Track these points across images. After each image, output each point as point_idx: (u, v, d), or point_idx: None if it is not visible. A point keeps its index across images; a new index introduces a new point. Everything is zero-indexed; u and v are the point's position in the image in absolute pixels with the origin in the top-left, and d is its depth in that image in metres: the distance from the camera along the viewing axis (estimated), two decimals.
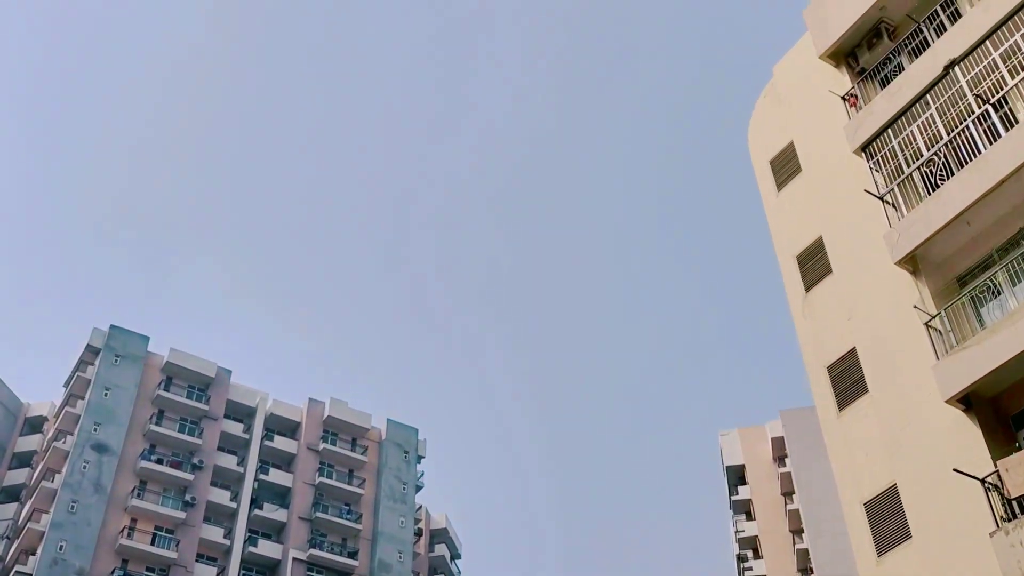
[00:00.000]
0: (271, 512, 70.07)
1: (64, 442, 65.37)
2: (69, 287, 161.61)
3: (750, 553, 68.98)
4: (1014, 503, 15.65)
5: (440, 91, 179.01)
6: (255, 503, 70.04)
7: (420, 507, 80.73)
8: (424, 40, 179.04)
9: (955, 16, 20.30)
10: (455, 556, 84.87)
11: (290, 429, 75.21)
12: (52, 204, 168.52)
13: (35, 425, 73.62)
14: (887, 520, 18.02)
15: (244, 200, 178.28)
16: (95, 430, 65.30)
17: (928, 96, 19.69)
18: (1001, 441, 16.88)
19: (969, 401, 17.18)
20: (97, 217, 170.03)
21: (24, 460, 71.53)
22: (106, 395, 67.07)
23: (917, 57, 20.53)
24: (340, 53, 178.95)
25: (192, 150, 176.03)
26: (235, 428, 72.12)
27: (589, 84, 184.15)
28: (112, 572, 61.55)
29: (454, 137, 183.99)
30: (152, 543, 64.17)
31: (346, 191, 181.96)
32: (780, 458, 68.39)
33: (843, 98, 22.17)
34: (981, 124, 18.55)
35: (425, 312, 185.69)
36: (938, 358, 17.68)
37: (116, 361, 68.84)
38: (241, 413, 73.63)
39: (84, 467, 63.68)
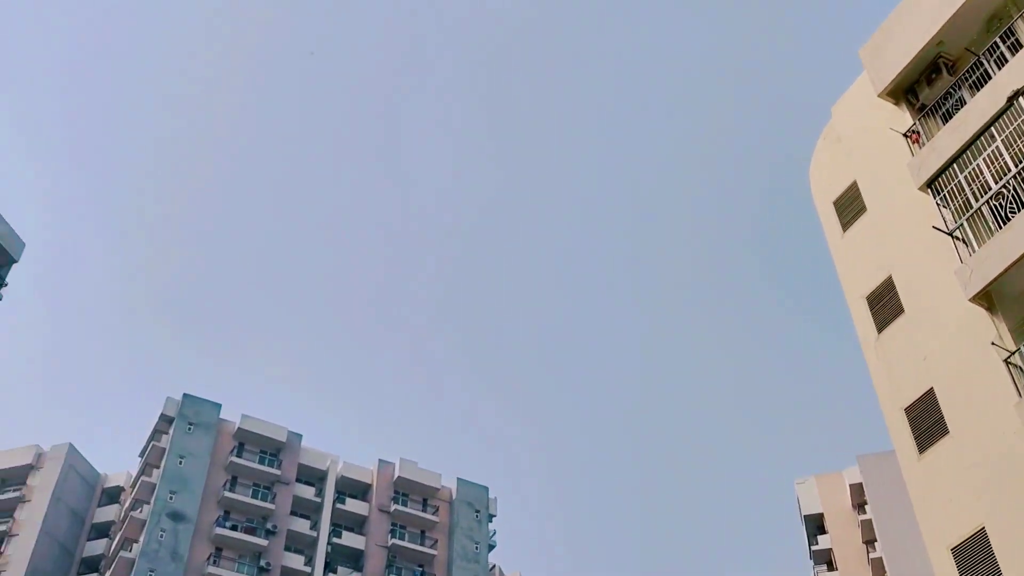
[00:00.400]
0: None
1: (141, 511, 66.25)
2: (142, 359, 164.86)
3: None
4: None
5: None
6: (329, 567, 70.08)
7: (494, 566, 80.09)
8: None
9: (1016, 47, 20.00)
10: None
11: (361, 491, 75.38)
12: (123, 279, 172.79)
13: (112, 495, 74.80)
14: (977, 566, 17.38)
15: (307, 265, 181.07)
16: (171, 498, 66.11)
17: (993, 128, 19.35)
18: None
19: None
20: (166, 290, 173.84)
21: (102, 531, 72.60)
22: (181, 463, 67.97)
23: (979, 90, 20.22)
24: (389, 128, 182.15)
25: (256, 219, 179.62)
26: (307, 492, 72.50)
27: (647, 131, 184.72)
28: None
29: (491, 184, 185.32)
30: None
31: (405, 250, 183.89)
32: (860, 505, 66.65)
33: (905, 135, 21.91)
34: None
35: (492, 369, 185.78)
36: (1020, 395, 17.17)
37: (190, 429, 69.84)
38: (312, 477, 74.03)
39: (161, 535, 64.39)
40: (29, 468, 71.94)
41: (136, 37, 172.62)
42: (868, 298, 22.08)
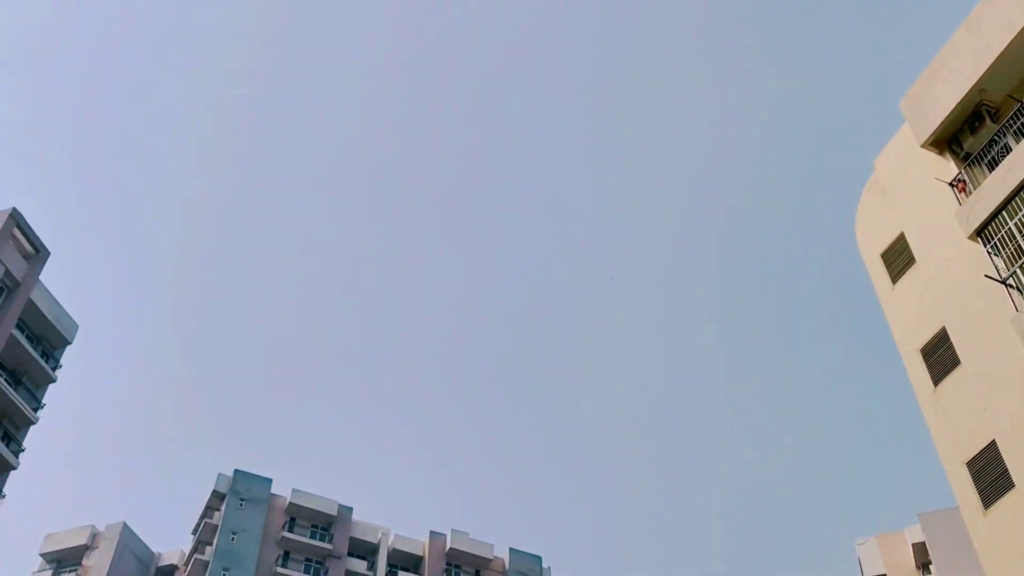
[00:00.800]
0: None
1: None
2: (193, 435, 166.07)
3: None
4: None
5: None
6: None
7: None
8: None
9: None
10: None
11: (413, 563, 74.73)
12: (171, 357, 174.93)
13: (167, 574, 74.78)
14: None
15: (353, 337, 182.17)
16: (224, 575, 65.98)
17: None
18: None
19: None
20: (215, 366, 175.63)
21: None
22: (233, 540, 67.94)
23: None
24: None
25: (304, 290, 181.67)
26: (359, 566, 72.01)
27: (683, 195, 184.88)
28: None
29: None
30: None
31: (451, 319, 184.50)
32: (924, 565, 64.72)
33: (951, 184, 21.72)
34: None
35: (539, 434, 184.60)
36: None
37: (241, 505, 69.93)
38: (364, 550, 73.60)
39: None
40: (84, 548, 72.29)
41: (167, 102, 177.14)
42: (922, 350, 21.73)
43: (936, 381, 21.14)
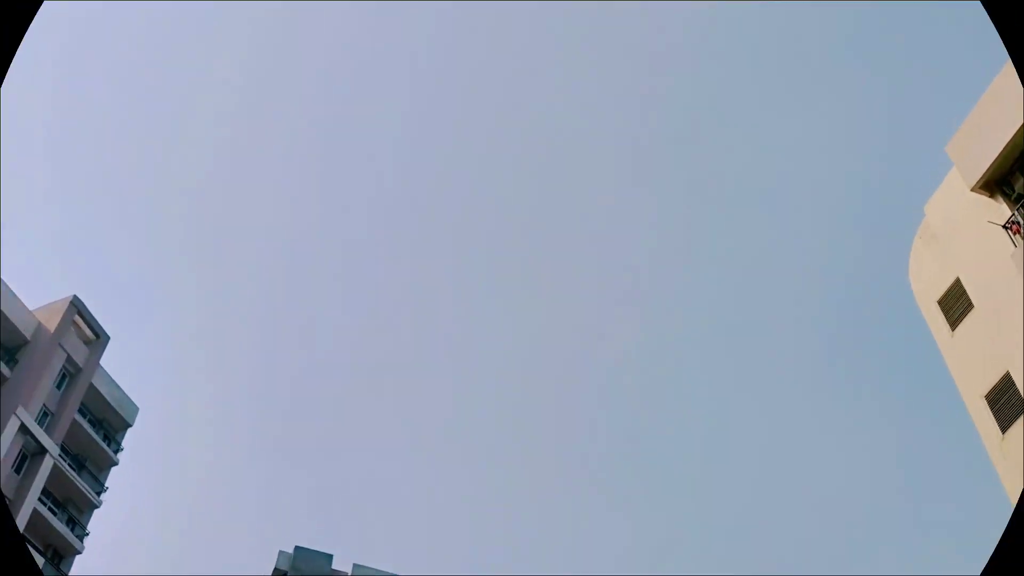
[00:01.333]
0: None
1: None
2: (252, 511, 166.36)
3: None
4: None
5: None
6: None
7: None
8: None
9: None
10: None
11: None
12: (230, 433, 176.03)
13: None
14: None
15: (414, 405, 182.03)
16: None
17: None
18: None
19: None
20: (272, 439, 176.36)
21: None
22: None
23: None
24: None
25: (367, 355, 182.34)
26: None
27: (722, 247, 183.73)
28: None
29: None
30: None
31: (507, 372, 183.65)
32: None
33: (1004, 227, 21.47)
34: None
35: (604, 487, 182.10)
36: None
37: None
38: None
39: None
40: None
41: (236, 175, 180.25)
42: (987, 397, 21.31)
43: (1003, 427, 20.69)
